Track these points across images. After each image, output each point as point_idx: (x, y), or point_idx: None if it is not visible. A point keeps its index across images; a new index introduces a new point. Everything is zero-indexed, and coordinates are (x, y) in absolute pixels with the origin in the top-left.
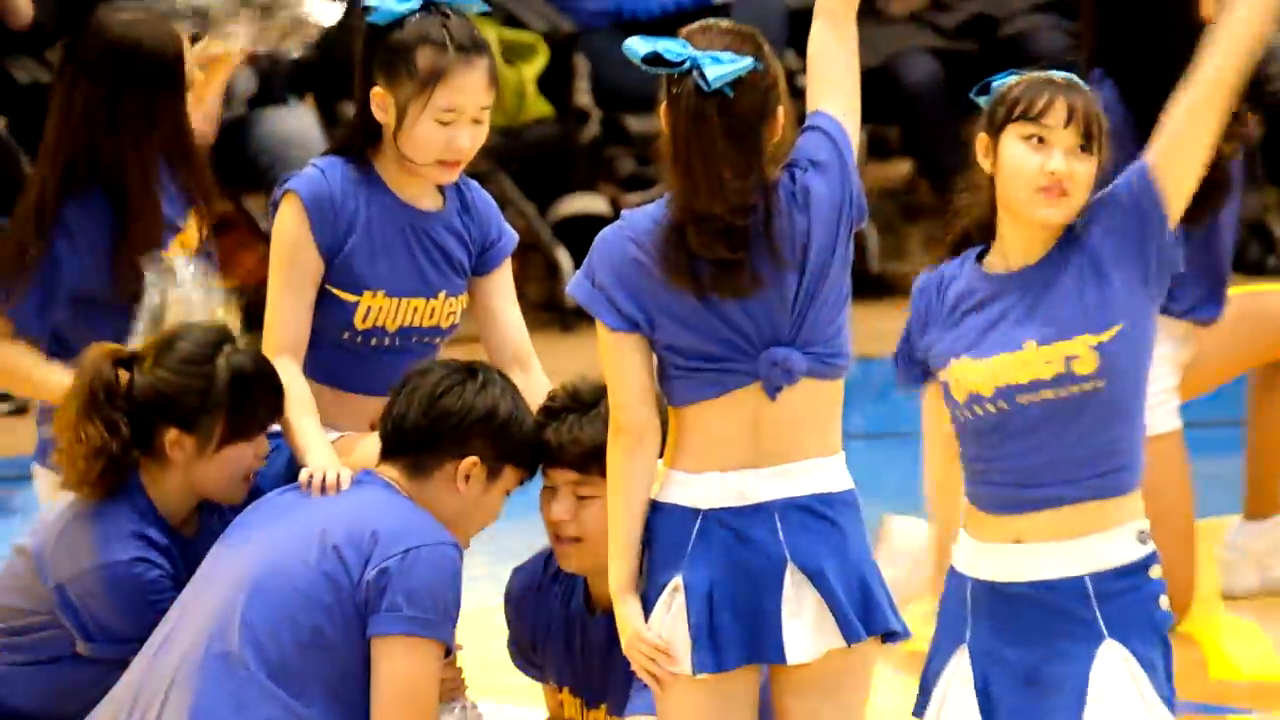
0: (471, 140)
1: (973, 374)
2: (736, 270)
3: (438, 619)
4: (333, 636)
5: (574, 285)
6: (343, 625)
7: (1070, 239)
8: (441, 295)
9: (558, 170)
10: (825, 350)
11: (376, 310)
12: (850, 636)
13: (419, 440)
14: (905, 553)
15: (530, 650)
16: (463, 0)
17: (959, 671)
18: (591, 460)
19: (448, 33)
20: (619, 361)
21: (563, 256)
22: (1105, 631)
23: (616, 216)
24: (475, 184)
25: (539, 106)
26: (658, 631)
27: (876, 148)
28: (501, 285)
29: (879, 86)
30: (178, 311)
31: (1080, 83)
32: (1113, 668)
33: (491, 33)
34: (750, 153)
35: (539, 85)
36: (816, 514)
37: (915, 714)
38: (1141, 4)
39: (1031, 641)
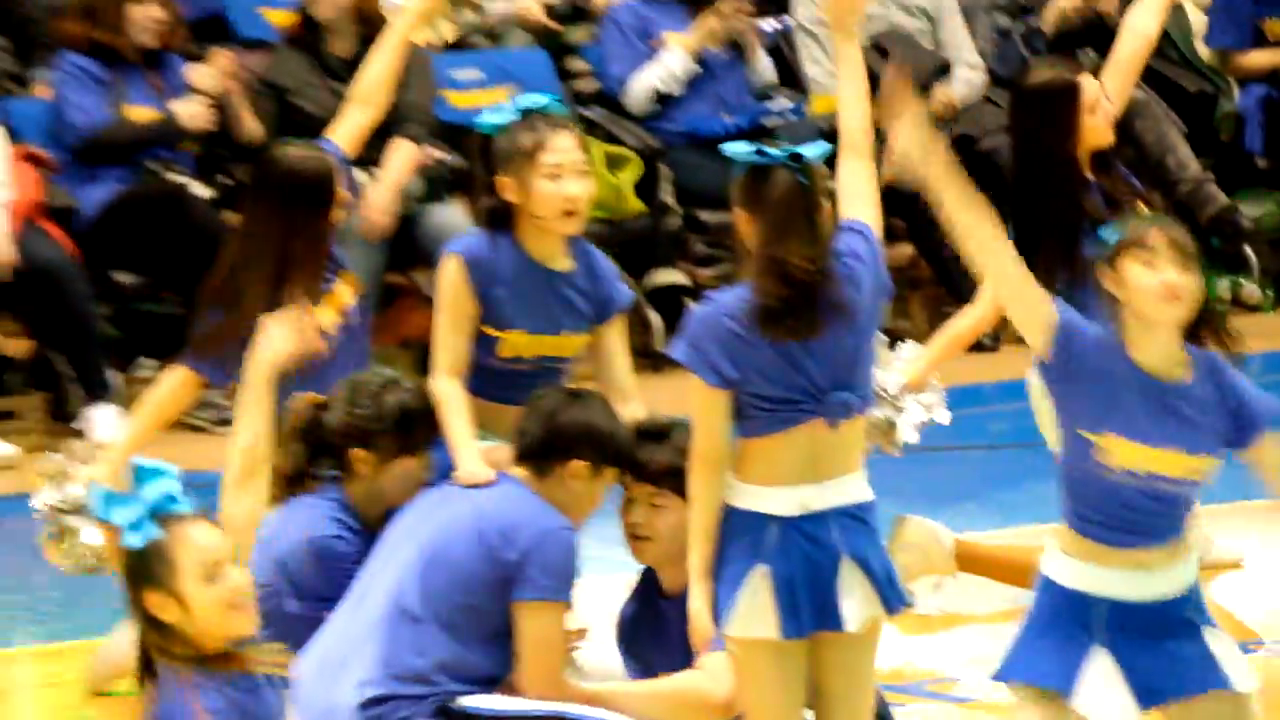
0: (581, 189)
1: (1138, 456)
2: (811, 320)
3: (563, 586)
4: (485, 600)
5: (677, 350)
6: (492, 591)
7: (1210, 369)
8: (567, 332)
9: (648, 251)
10: (865, 392)
11: (516, 344)
12: (891, 609)
13: (540, 449)
14: (915, 545)
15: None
16: (546, 106)
17: (1102, 668)
18: (664, 478)
19: (539, 117)
20: (709, 411)
21: (653, 316)
22: (1203, 621)
23: (694, 286)
24: (600, 253)
25: (634, 204)
26: (744, 607)
27: (887, 234)
28: (616, 334)
29: (887, 189)
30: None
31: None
32: (1219, 638)
33: (598, 149)
34: (821, 224)
35: (634, 188)
36: (857, 518)
37: (1050, 685)
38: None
39: (1157, 635)
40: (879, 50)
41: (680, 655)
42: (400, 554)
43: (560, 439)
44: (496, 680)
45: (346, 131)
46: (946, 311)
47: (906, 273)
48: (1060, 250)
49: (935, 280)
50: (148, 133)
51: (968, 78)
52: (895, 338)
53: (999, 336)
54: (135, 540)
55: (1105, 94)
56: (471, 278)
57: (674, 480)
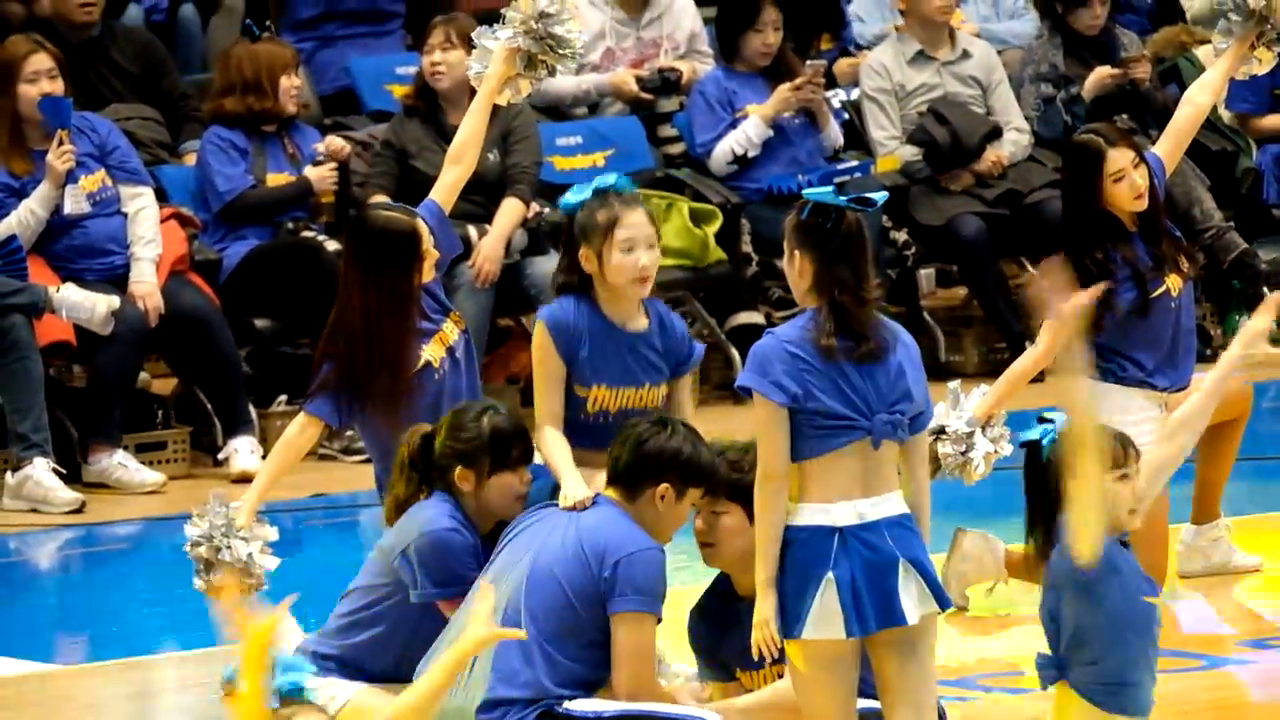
0: (650, 260)
1: None
2: (869, 346)
3: (652, 599)
4: (584, 613)
5: (743, 378)
6: (590, 605)
7: None
8: (647, 386)
9: (729, 295)
10: (912, 414)
11: (601, 399)
12: (943, 604)
13: (629, 475)
14: (972, 554)
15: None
16: (618, 185)
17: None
18: (719, 488)
19: (613, 196)
20: (773, 429)
21: (734, 353)
22: None
23: (770, 326)
24: (675, 315)
25: (717, 253)
26: (815, 614)
27: (943, 278)
28: (685, 386)
29: (944, 238)
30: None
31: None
32: None
33: (685, 205)
34: (873, 257)
35: (717, 239)
36: (905, 526)
37: None
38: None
39: None
40: (936, 116)
41: (750, 654)
42: (511, 572)
43: (648, 465)
44: (595, 685)
45: (442, 187)
46: (997, 348)
47: (958, 312)
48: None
49: (985, 320)
50: (283, 194)
51: (1015, 139)
52: (951, 373)
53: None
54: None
55: (1140, 165)
56: (558, 341)
57: (731, 489)
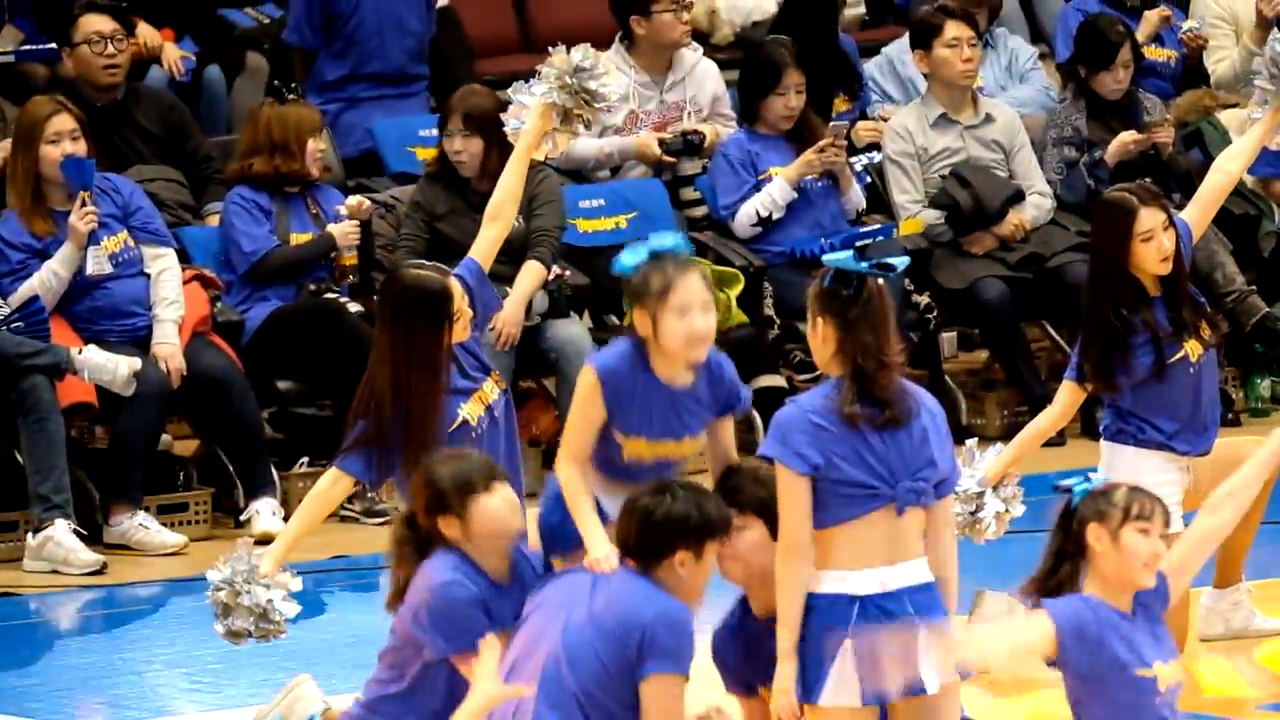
0: (704, 325)
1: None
2: (893, 412)
3: (680, 661)
4: (616, 680)
5: (765, 447)
6: (621, 672)
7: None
8: (687, 439)
9: (752, 358)
10: (936, 480)
11: (638, 450)
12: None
13: (643, 550)
14: (992, 616)
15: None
16: (674, 247)
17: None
18: (741, 502)
19: (669, 259)
20: (795, 499)
21: (756, 416)
22: None
23: (792, 389)
24: (723, 357)
25: (739, 316)
26: (833, 680)
27: (965, 342)
28: (726, 426)
29: (966, 302)
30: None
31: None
32: None
33: (707, 267)
34: (895, 321)
35: (739, 302)
36: (928, 593)
37: None
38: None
39: None
40: (959, 179)
41: (770, 673)
42: (542, 640)
43: (659, 538)
44: None
45: (481, 245)
46: (1018, 411)
47: (981, 375)
48: (1113, 351)
49: (1008, 383)
50: (307, 252)
51: (1038, 203)
52: (973, 436)
53: (1064, 434)
54: None
55: (1169, 228)
56: (605, 392)
57: (756, 504)
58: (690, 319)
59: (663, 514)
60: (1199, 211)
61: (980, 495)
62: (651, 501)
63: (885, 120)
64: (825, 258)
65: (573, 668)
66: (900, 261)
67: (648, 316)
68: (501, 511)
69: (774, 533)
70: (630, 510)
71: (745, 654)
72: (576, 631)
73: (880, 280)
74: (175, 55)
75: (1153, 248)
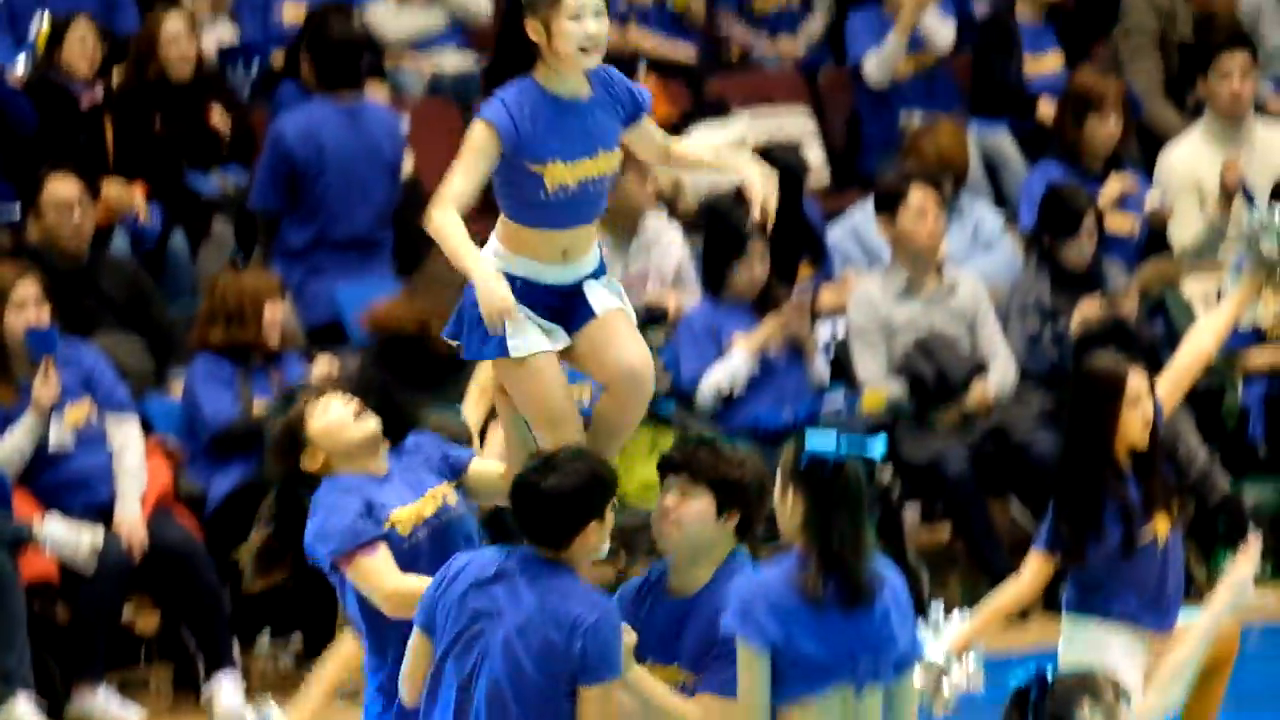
0: (598, 28)
1: None
2: (857, 594)
3: (615, 662)
4: (557, 689)
5: (725, 620)
6: (559, 680)
7: None
8: (601, 152)
9: None
10: (896, 660)
11: (559, 174)
12: None
13: (553, 536)
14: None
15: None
16: None
17: None
18: (699, 474)
19: None
20: (753, 674)
21: None
22: None
23: (754, 557)
24: (613, 69)
25: None
26: None
27: (927, 515)
28: (645, 125)
29: (928, 477)
30: None
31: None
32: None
33: (669, 439)
34: (869, 517)
35: None
36: None
37: None
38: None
39: None
40: (923, 351)
41: (663, 654)
42: (484, 654)
43: (567, 520)
44: None
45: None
46: (980, 588)
47: (942, 551)
48: (1085, 522)
49: (969, 558)
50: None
51: (1002, 375)
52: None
53: (1028, 611)
54: None
55: (1151, 394)
56: (503, 134)
57: (709, 477)
58: (584, 23)
59: (560, 493)
60: (1172, 388)
61: (944, 666)
62: (541, 481)
63: (849, 282)
64: (808, 443)
65: (514, 693)
66: (879, 450)
67: (540, 24)
68: (334, 412)
69: (720, 509)
70: (521, 496)
71: (642, 626)
72: (505, 652)
73: (857, 465)
74: (143, 204)
75: (1138, 414)
